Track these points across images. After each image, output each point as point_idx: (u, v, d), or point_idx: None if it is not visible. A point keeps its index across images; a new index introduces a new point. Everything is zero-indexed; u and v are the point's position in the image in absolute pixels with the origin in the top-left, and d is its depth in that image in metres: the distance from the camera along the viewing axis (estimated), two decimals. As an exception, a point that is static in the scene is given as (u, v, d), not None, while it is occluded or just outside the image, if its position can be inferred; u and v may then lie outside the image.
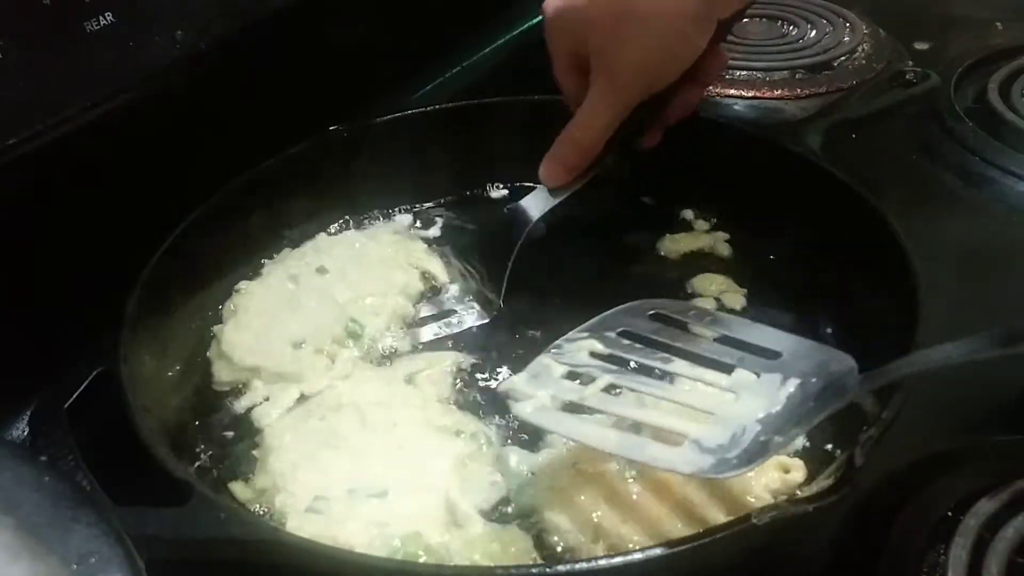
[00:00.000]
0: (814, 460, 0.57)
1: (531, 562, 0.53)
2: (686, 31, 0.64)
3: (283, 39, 0.77)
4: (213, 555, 0.48)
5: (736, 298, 0.72)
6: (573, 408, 0.54)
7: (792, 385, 0.49)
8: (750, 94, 1.01)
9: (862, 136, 0.81)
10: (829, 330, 0.68)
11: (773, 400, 0.49)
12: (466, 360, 0.69)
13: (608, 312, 0.58)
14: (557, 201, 0.73)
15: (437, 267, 0.77)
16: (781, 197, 0.74)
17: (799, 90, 1.00)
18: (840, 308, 0.69)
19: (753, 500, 0.54)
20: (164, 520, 0.48)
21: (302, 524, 0.54)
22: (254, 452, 0.61)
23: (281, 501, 0.56)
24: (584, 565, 0.46)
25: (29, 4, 0.56)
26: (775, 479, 0.55)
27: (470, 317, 0.73)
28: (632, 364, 0.55)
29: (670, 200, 0.82)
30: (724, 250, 0.78)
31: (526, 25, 1.12)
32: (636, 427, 0.53)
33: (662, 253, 0.78)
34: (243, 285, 0.73)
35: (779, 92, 1.00)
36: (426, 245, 0.80)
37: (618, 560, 0.46)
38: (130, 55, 0.63)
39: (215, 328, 0.70)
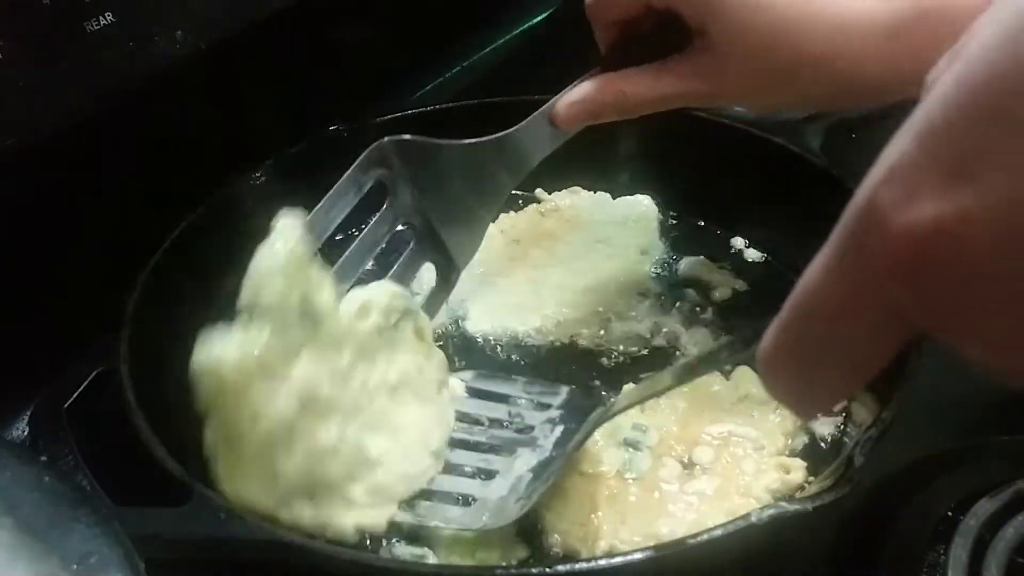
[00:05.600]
0: (814, 460, 0.57)
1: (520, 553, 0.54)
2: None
3: (283, 39, 0.77)
4: (213, 555, 0.48)
5: None
6: None
7: (559, 431, 0.58)
8: (750, 94, 1.00)
9: (862, 136, 0.81)
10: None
11: (544, 449, 0.57)
12: None
13: None
14: (560, 143, 0.65)
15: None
16: (779, 197, 0.73)
17: (799, 90, 1.00)
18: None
19: (753, 500, 0.54)
20: (164, 520, 0.48)
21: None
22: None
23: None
24: (584, 565, 0.46)
25: (29, 4, 0.56)
26: (775, 479, 0.55)
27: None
28: None
29: (672, 202, 0.82)
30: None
31: (526, 25, 1.12)
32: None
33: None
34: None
35: (779, 92, 1.00)
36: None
37: (618, 560, 0.46)
38: (130, 55, 0.63)
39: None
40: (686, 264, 0.76)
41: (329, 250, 0.57)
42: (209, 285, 0.72)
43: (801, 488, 0.55)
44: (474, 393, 0.62)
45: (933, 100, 0.25)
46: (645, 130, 0.81)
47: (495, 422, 0.61)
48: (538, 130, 0.64)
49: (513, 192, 0.83)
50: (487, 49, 1.08)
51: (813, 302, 0.29)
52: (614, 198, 0.82)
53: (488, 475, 0.57)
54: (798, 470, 0.56)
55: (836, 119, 0.78)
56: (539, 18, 1.12)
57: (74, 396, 0.57)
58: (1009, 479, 0.53)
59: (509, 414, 0.61)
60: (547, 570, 0.45)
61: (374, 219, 0.61)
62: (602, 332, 0.69)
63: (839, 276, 0.27)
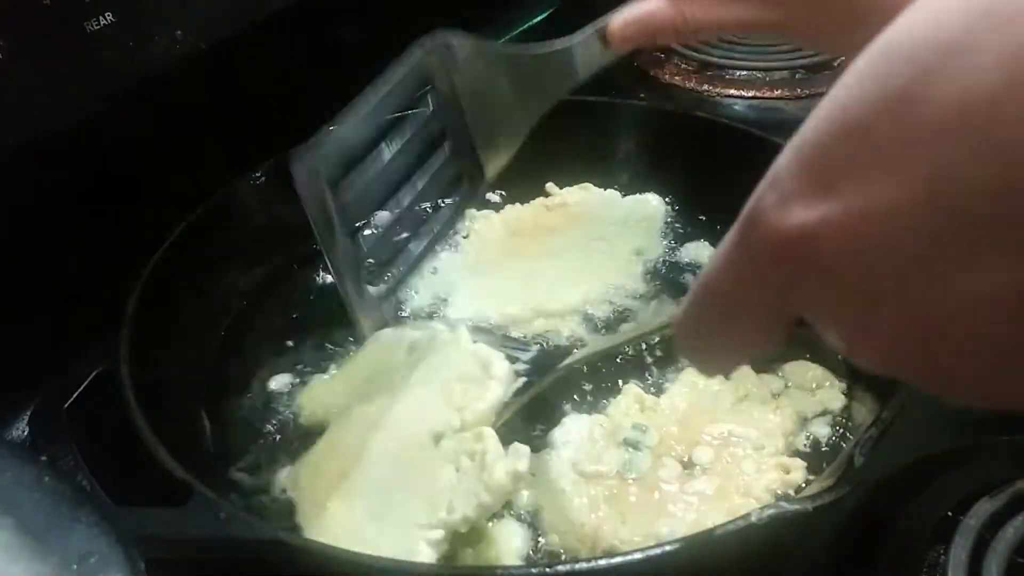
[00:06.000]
0: (814, 460, 0.57)
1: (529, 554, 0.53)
2: None
3: (283, 39, 0.77)
4: (213, 555, 0.48)
5: (834, 394, 0.62)
6: None
7: (520, 382, 0.58)
8: (750, 94, 1.00)
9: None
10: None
11: None
12: None
13: None
14: (608, 62, 0.62)
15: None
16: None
17: (799, 90, 1.00)
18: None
19: (753, 500, 0.54)
20: (164, 520, 0.48)
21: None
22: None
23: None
24: (584, 565, 0.46)
25: (29, 4, 0.56)
26: (775, 479, 0.55)
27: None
28: None
29: (673, 200, 0.82)
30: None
31: (526, 25, 1.12)
32: None
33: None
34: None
35: (779, 92, 1.00)
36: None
37: (618, 560, 0.46)
38: (130, 55, 0.63)
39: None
40: (689, 249, 0.77)
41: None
42: (209, 285, 0.73)
43: (801, 488, 0.55)
44: None
45: (812, 118, 0.29)
46: (646, 131, 0.81)
47: None
48: (590, 48, 0.61)
49: (524, 185, 0.83)
50: (487, 49, 1.08)
51: (713, 283, 0.33)
52: (623, 196, 0.82)
53: None
54: (798, 470, 0.56)
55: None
56: (539, 18, 1.13)
57: (74, 396, 0.57)
58: (1009, 479, 0.53)
59: None
60: (547, 570, 0.45)
61: (410, 125, 0.55)
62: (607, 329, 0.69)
63: (733, 263, 0.32)
